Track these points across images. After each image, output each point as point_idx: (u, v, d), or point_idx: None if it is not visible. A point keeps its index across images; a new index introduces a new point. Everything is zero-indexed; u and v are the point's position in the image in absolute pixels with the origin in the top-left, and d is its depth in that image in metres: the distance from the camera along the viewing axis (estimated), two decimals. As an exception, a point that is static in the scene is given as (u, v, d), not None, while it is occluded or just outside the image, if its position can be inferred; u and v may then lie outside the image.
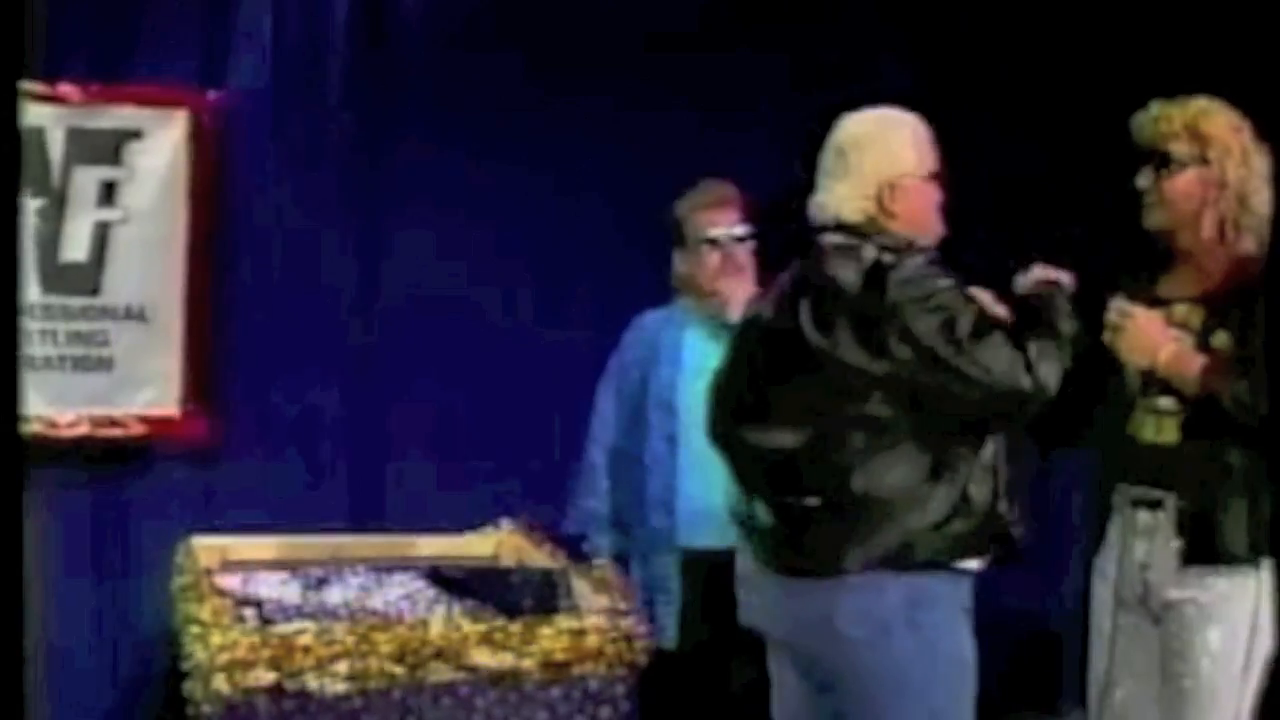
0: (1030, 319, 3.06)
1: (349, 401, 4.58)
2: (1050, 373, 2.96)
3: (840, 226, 3.11)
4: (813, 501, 3.06)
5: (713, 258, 3.95)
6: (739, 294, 3.79)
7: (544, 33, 4.61)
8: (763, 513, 3.15)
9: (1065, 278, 3.22)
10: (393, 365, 4.59)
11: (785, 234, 3.31)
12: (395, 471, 4.57)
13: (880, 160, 3.13)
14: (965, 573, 3.09)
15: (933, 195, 3.17)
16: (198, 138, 4.37)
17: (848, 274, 3.02)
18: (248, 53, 4.47)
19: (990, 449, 3.07)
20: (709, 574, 3.77)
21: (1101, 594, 3.38)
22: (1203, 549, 3.21)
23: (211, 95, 4.41)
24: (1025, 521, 3.14)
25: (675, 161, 4.31)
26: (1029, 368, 2.95)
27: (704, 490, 3.76)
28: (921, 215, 3.15)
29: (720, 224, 3.95)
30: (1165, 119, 3.24)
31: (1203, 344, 3.20)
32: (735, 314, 3.66)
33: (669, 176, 4.09)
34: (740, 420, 3.18)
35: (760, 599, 3.20)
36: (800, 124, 3.41)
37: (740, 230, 3.95)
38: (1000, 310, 3.15)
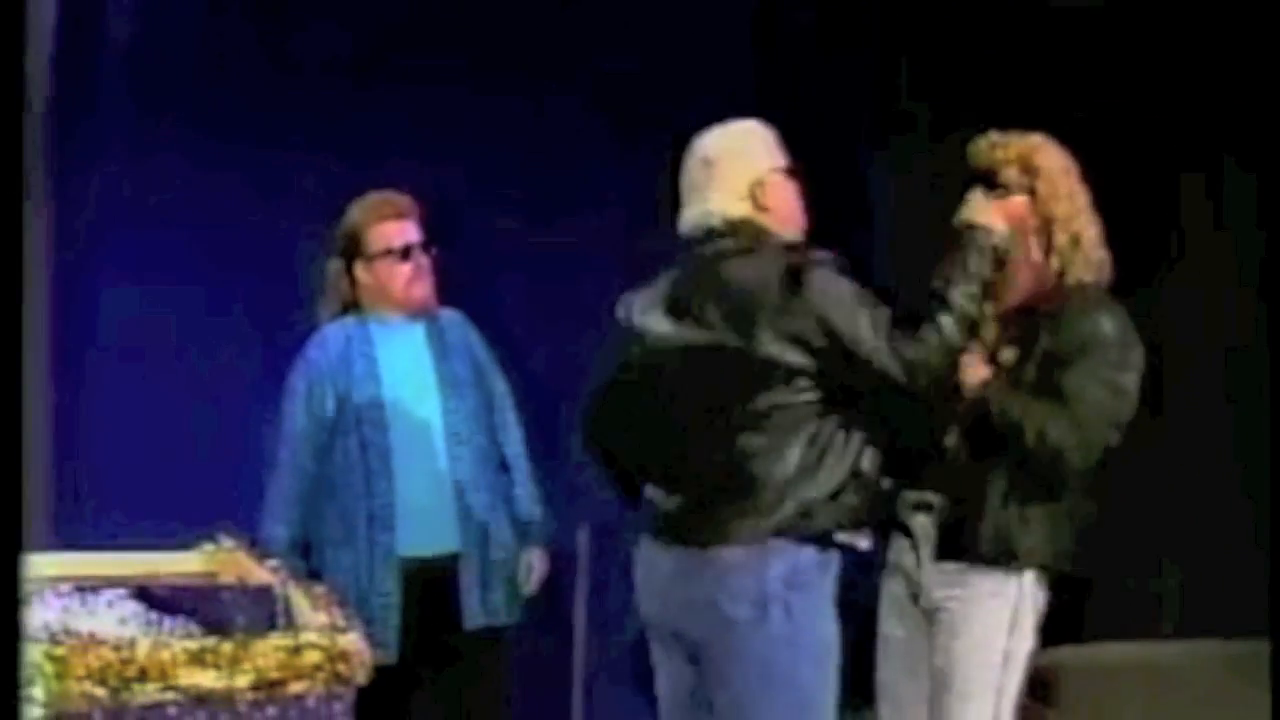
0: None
1: (55, 410, 4.39)
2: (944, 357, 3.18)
3: (717, 233, 3.38)
4: (713, 482, 3.23)
5: (403, 268, 4.00)
6: (429, 301, 4.01)
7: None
8: (662, 499, 3.32)
9: None
10: (103, 372, 4.42)
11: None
12: (108, 485, 4.39)
13: (746, 163, 3.43)
14: (835, 558, 3.28)
15: (793, 188, 3.49)
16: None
17: (763, 277, 3.21)
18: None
19: (878, 427, 3.29)
20: (428, 583, 3.81)
21: (886, 596, 3.54)
22: (957, 547, 3.36)
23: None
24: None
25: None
26: (930, 355, 3.16)
27: (420, 497, 3.81)
28: (788, 207, 3.47)
29: (405, 235, 4.01)
30: (1001, 146, 3.44)
31: (990, 356, 3.39)
32: (423, 320, 3.97)
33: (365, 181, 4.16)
34: (627, 425, 3.39)
35: (655, 584, 3.39)
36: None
37: (423, 239, 4.05)
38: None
